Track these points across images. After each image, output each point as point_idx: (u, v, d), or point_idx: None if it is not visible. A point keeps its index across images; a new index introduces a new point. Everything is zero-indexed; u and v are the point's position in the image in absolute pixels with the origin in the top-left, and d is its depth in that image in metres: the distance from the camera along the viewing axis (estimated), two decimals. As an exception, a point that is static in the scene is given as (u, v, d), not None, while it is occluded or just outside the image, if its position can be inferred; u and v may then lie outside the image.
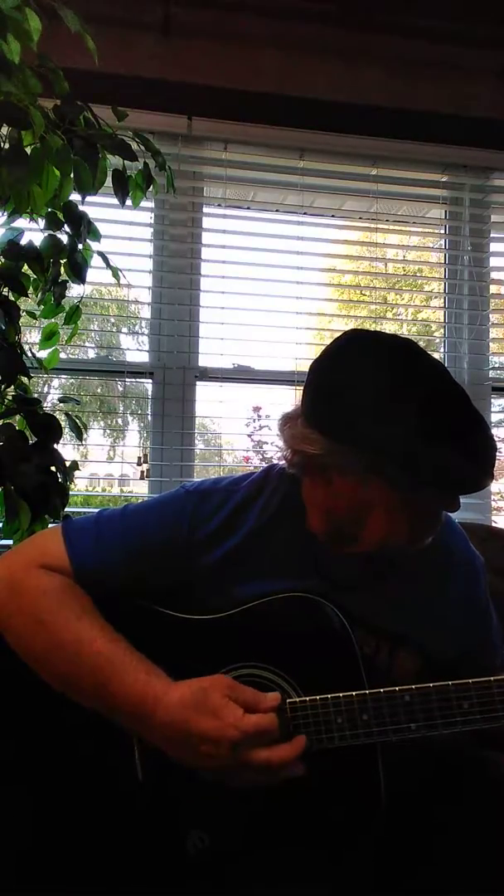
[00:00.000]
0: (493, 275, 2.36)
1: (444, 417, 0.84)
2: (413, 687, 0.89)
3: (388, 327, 2.63)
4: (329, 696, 0.89)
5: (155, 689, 0.87)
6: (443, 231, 2.45)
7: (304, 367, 2.10)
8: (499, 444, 0.89)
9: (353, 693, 0.89)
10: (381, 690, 0.89)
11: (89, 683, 0.89)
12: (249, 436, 2.33)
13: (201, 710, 0.84)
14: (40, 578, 0.94)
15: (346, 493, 0.88)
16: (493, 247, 2.37)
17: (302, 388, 0.94)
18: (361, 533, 0.89)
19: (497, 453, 0.89)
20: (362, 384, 0.86)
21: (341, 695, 0.89)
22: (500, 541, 1.58)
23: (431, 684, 0.88)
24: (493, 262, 2.36)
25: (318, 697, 0.90)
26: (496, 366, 2.44)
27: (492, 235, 2.37)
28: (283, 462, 0.99)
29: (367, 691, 0.89)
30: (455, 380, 0.89)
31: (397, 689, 0.89)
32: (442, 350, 2.35)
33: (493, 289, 2.39)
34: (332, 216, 2.46)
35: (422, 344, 0.93)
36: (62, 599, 0.93)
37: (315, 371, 0.93)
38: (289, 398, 2.22)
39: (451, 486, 0.88)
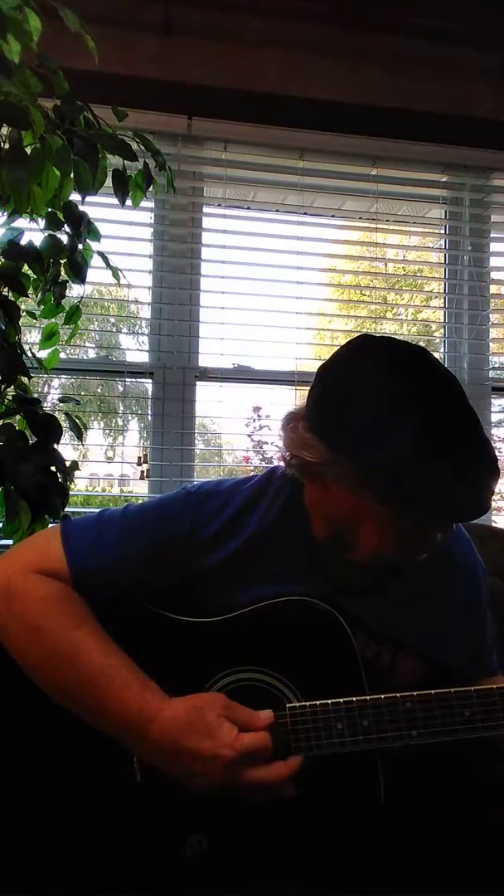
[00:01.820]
0: (493, 275, 2.36)
1: (444, 442, 0.82)
2: (415, 694, 0.88)
3: (388, 327, 2.63)
4: (329, 701, 0.89)
5: (150, 706, 0.86)
6: (443, 231, 2.44)
7: (305, 366, 2.14)
8: (499, 445, 0.88)
9: (354, 699, 0.89)
10: (382, 697, 0.88)
11: (83, 696, 0.89)
12: (249, 436, 2.32)
13: (195, 728, 0.84)
14: (37, 585, 0.93)
15: (340, 501, 0.88)
16: (493, 247, 2.37)
17: (301, 388, 0.94)
18: (356, 541, 0.88)
19: (499, 478, 0.86)
20: (365, 396, 0.84)
21: (342, 700, 0.89)
22: (500, 541, 1.58)
23: (433, 691, 0.88)
24: (493, 262, 2.36)
25: (318, 703, 0.89)
26: (496, 366, 2.44)
27: (492, 235, 2.36)
28: (283, 462, 0.99)
29: (368, 697, 0.89)
30: (464, 398, 0.86)
31: (398, 695, 0.88)
32: (442, 350, 2.35)
33: (493, 289, 2.39)
34: (332, 216, 2.46)
35: (422, 344, 0.91)
36: (60, 608, 0.92)
37: (322, 375, 0.92)
38: (289, 398, 2.21)
39: (443, 513, 0.87)
